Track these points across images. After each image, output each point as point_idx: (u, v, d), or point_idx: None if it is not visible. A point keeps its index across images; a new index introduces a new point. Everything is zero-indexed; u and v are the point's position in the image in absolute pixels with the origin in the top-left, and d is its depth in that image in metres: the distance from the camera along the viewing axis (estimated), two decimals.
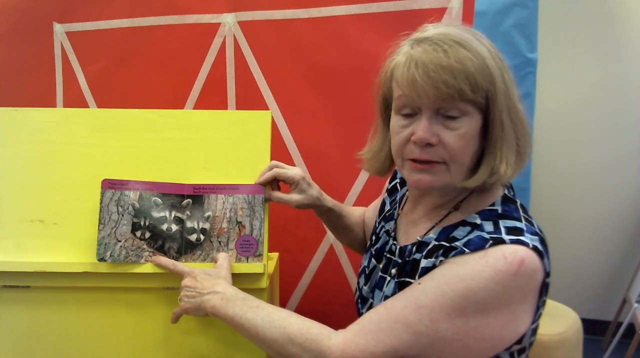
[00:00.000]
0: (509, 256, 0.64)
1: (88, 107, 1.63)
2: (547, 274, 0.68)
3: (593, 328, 2.21)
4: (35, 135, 0.97)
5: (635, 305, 2.02)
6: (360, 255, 1.05)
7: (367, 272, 0.90)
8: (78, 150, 0.96)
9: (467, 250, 0.67)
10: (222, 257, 0.88)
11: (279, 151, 1.27)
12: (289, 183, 0.95)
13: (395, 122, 0.75)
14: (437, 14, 1.27)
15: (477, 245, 0.67)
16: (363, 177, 1.39)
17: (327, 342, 0.68)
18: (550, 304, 1.29)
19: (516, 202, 0.76)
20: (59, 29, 1.65)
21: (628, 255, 2.29)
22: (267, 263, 0.91)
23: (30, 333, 0.93)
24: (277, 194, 0.93)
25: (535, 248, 0.66)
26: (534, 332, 0.72)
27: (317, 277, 1.48)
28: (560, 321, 1.18)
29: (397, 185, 0.98)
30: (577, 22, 2.19)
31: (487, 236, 0.68)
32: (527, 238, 0.67)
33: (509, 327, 0.67)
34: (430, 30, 0.73)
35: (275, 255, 1.21)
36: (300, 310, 1.49)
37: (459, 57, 0.67)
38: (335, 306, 1.43)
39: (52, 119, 0.98)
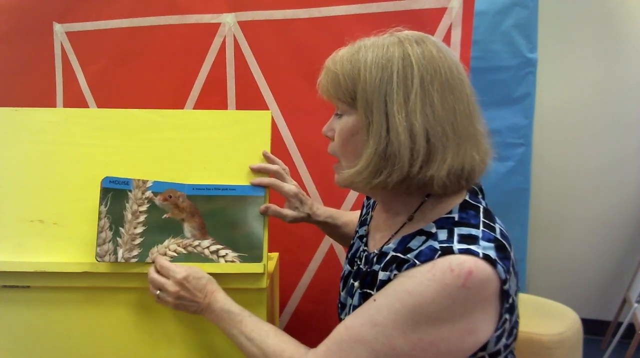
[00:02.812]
0: (455, 268, 0.64)
1: (88, 107, 1.63)
2: (503, 281, 0.66)
3: (593, 328, 2.21)
4: (35, 135, 0.97)
5: (635, 305, 2.02)
6: None
7: (344, 278, 0.91)
8: (78, 150, 0.96)
9: (417, 261, 0.67)
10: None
11: (279, 151, 1.27)
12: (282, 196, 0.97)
13: None
14: (437, 14, 1.27)
15: (427, 256, 0.66)
16: None
17: None
18: (550, 304, 1.30)
19: (478, 207, 0.75)
20: (59, 29, 1.65)
21: (628, 255, 2.29)
22: (267, 263, 0.91)
23: (30, 333, 0.93)
24: (275, 208, 0.95)
25: (486, 257, 0.65)
26: (510, 334, 0.72)
27: (317, 276, 1.47)
28: (560, 321, 1.18)
29: None
30: (577, 22, 2.19)
31: (437, 246, 0.67)
32: (479, 247, 0.66)
33: (467, 338, 0.66)
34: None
35: (275, 255, 1.21)
36: (301, 309, 1.49)
37: (336, 61, 0.75)
38: (335, 306, 1.43)
39: (52, 119, 0.98)
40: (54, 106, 1.67)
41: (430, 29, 1.26)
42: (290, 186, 0.98)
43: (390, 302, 0.67)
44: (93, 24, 1.60)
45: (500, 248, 0.67)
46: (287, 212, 0.97)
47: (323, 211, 1.04)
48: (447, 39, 1.25)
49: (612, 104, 2.21)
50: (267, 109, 1.44)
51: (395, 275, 0.70)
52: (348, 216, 1.08)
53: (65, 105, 1.67)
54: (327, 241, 1.45)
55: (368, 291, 0.76)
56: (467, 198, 0.76)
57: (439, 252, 0.66)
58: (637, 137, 2.21)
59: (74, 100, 1.65)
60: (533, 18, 1.77)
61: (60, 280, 0.90)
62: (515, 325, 0.74)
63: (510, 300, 0.69)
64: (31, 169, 0.96)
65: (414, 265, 0.67)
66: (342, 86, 0.73)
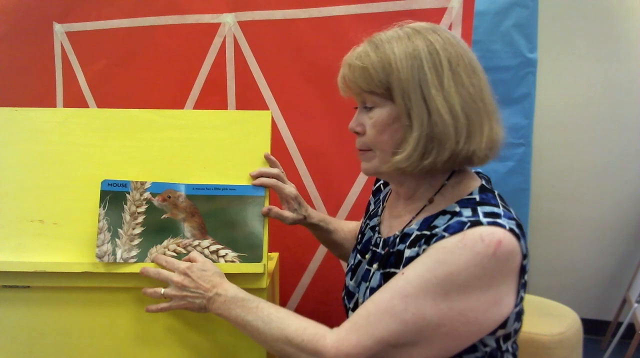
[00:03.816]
0: (486, 238, 0.67)
1: (88, 107, 1.63)
2: (524, 256, 0.70)
3: (593, 328, 2.21)
4: (35, 135, 0.97)
5: (635, 305, 2.02)
6: None
7: (352, 268, 0.93)
8: (78, 150, 0.96)
9: (446, 234, 0.70)
10: (197, 254, 0.89)
11: (279, 151, 1.27)
12: (281, 198, 0.98)
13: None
14: (437, 14, 1.27)
15: (455, 229, 0.69)
16: (363, 177, 1.39)
17: (322, 342, 0.71)
18: (550, 304, 1.30)
19: (494, 191, 0.79)
20: (59, 29, 1.65)
21: (628, 255, 2.29)
22: (267, 263, 0.91)
23: (30, 333, 0.93)
24: (277, 210, 0.95)
25: (512, 231, 0.68)
26: (519, 317, 0.74)
27: (317, 276, 1.48)
28: (560, 321, 1.18)
29: (381, 185, 1.03)
30: (577, 22, 2.19)
31: (465, 220, 0.70)
32: (504, 221, 0.69)
33: (493, 309, 0.69)
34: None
35: (275, 255, 1.21)
36: (301, 309, 1.49)
37: (361, 55, 0.77)
38: (335, 306, 1.43)
39: (52, 119, 0.98)
40: (54, 106, 1.67)
41: None
42: (290, 188, 0.98)
43: (421, 273, 0.69)
44: (93, 24, 1.60)
45: (519, 226, 0.71)
46: (288, 214, 0.98)
47: (316, 214, 1.05)
48: None
49: (612, 104, 2.21)
50: (267, 109, 1.44)
51: (424, 249, 0.72)
52: (338, 223, 1.10)
53: (65, 105, 1.67)
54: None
55: (392, 270, 0.78)
56: (483, 183, 0.81)
57: (468, 224, 0.69)
58: (637, 138, 2.21)
59: (74, 100, 1.65)
60: (533, 18, 1.77)
61: (60, 280, 0.90)
62: (522, 311, 0.76)
63: (526, 277, 0.73)
64: (31, 169, 0.96)
65: (442, 237, 0.70)
66: (375, 78, 0.75)
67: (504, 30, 1.74)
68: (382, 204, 0.96)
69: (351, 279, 0.92)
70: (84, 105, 1.63)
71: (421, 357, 0.69)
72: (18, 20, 1.68)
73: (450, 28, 1.26)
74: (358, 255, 0.93)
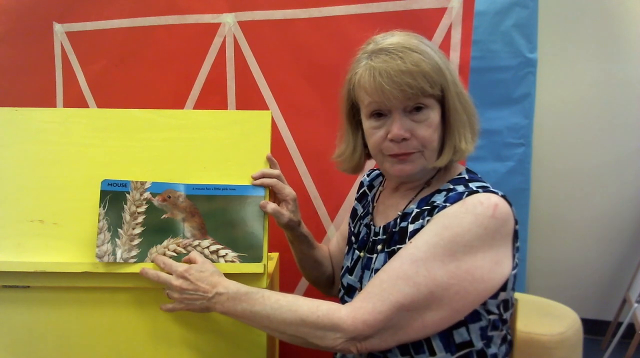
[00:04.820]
0: (484, 201, 0.75)
1: (88, 107, 1.63)
2: (516, 221, 0.78)
3: (593, 328, 2.21)
4: (35, 135, 0.97)
5: (635, 305, 2.02)
6: (326, 294, 1.10)
7: (350, 268, 0.94)
8: (78, 150, 0.96)
9: (448, 204, 0.77)
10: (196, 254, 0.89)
11: (279, 151, 1.27)
12: (279, 199, 0.97)
13: (369, 125, 0.85)
14: (437, 14, 1.27)
15: (455, 199, 0.77)
16: None
17: (337, 314, 0.73)
18: (550, 304, 1.30)
19: (477, 174, 0.87)
20: (59, 29, 1.65)
21: (628, 255, 2.29)
22: (267, 264, 0.91)
23: (30, 333, 0.93)
24: (274, 206, 0.93)
25: (504, 197, 0.77)
26: (513, 286, 0.80)
27: None
28: (560, 321, 1.18)
29: (366, 190, 1.05)
30: (577, 22, 2.19)
31: (462, 190, 0.79)
32: (495, 190, 0.78)
33: (495, 268, 0.75)
34: (382, 41, 0.82)
35: (275, 255, 1.21)
36: None
37: (414, 61, 0.78)
38: None
39: (52, 119, 0.98)
40: (54, 106, 1.67)
41: (430, 29, 1.26)
42: (290, 189, 0.98)
43: (428, 239, 0.75)
44: (93, 24, 1.60)
45: (507, 197, 0.79)
46: (285, 211, 0.96)
47: (305, 227, 1.03)
48: (447, 39, 1.25)
49: (612, 104, 2.21)
50: (267, 109, 1.43)
51: (428, 220, 0.79)
52: (318, 243, 1.09)
53: (65, 105, 1.67)
54: (327, 241, 1.46)
55: (397, 247, 0.82)
56: (466, 167, 0.89)
57: (466, 193, 0.77)
58: (637, 137, 2.22)
59: (74, 100, 1.65)
60: (533, 18, 1.77)
61: (60, 280, 0.90)
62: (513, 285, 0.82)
63: (518, 243, 0.80)
64: (31, 169, 0.96)
65: (444, 207, 0.77)
66: (436, 81, 0.80)
67: (504, 30, 1.74)
68: (372, 204, 0.98)
69: (350, 275, 0.92)
70: (84, 105, 1.63)
71: (434, 320, 0.73)
72: (18, 20, 1.68)
73: (450, 28, 1.26)
74: (356, 252, 0.94)
